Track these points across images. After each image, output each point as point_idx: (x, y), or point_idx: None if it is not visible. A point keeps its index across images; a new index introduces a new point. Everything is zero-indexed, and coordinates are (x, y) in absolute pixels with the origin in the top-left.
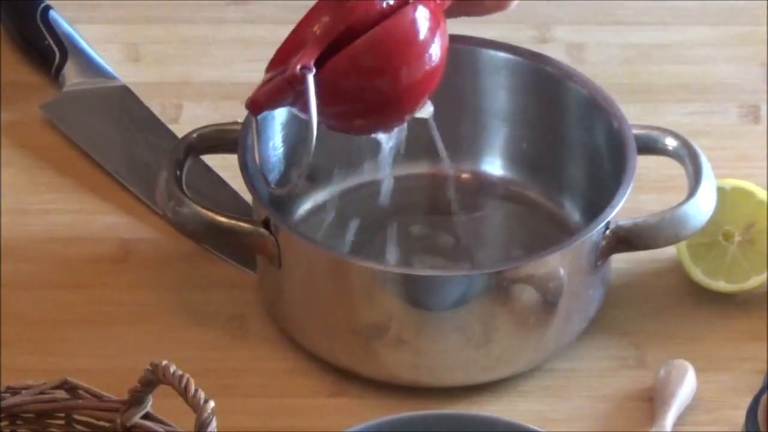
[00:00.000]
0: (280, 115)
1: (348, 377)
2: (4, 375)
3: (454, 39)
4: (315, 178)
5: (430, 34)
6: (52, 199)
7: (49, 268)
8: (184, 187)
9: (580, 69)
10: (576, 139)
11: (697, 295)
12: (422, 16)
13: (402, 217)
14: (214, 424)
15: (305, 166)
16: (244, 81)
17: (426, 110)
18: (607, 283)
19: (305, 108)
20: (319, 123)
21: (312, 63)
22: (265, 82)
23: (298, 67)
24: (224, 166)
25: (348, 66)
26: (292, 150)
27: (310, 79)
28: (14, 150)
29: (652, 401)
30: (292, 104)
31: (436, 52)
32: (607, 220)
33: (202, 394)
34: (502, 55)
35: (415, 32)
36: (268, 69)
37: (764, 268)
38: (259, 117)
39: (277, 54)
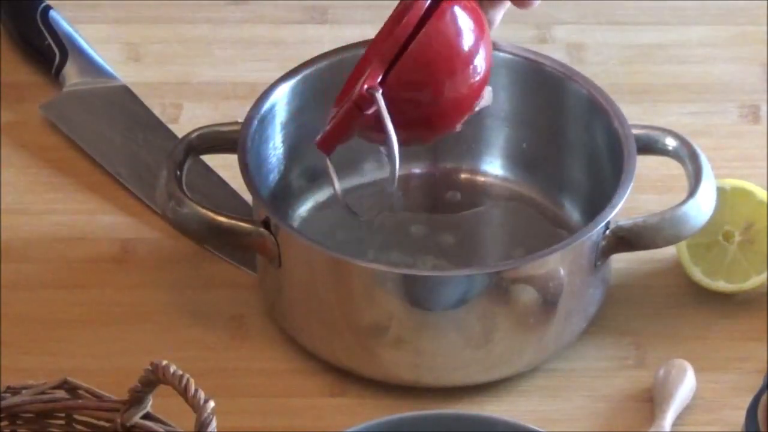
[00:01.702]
0: (280, 115)
1: (348, 377)
2: (4, 375)
3: None
4: (315, 178)
5: (473, 40)
6: (52, 199)
7: (49, 268)
8: (184, 187)
9: (580, 69)
10: (576, 139)
11: (697, 295)
12: (462, 21)
13: (402, 217)
14: (214, 424)
15: (393, 187)
16: (244, 81)
17: (486, 99)
18: (607, 283)
19: (377, 129)
20: (363, 139)
21: (377, 82)
22: (332, 119)
23: (365, 87)
24: (224, 166)
25: (400, 80)
26: (292, 150)
27: (380, 96)
28: (14, 150)
29: (652, 401)
30: (360, 133)
31: (480, 56)
32: (607, 220)
33: (202, 394)
34: (502, 55)
35: (456, 36)
36: (332, 108)
37: (764, 268)
38: (261, 112)
39: (339, 95)
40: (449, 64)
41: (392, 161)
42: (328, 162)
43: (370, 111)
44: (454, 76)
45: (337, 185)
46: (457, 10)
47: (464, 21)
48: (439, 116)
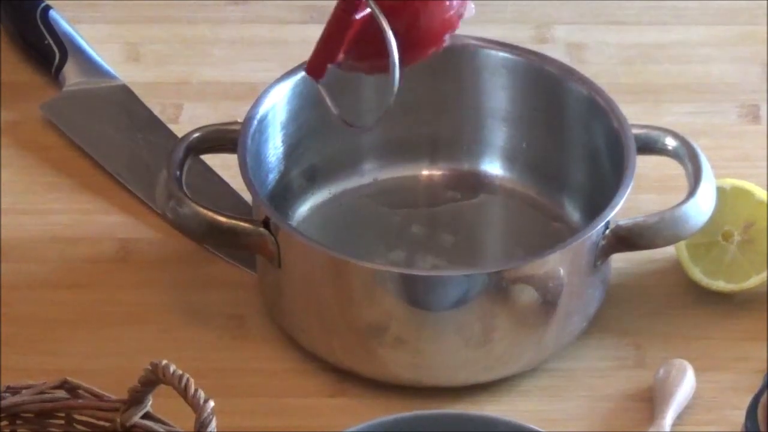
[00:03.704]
0: (280, 115)
1: (348, 377)
2: (4, 375)
3: (454, 38)
4: (315, 178)
5: None
6: (52, 199)
7: (49, 268)
8: (184, 187)
9: (580, 69)
10: (576, 139)
11: (697, 295)
12: None
13: (402, 217)
14: (214, 424)
15: (390, 100)
16: (244, 81)
17: (469, 11)
18: (607, 283)
19: (361, 53)
20: (340, 66)
21: None
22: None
23: None
24: (224, 166)
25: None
26: (292, 150)
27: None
28: (14, 150)
29: (652, 401)
30: (347, 54)
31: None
32: (607, 220)
33: (202, 394)
34: (502, 54)
35: None
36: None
37: (764, 267)
38: (261, 112)
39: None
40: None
41: (392, 66)
42: (320, 88)
43: (359, 15)
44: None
45: (333, 107)
46: None
47: None
48: (417, 40)
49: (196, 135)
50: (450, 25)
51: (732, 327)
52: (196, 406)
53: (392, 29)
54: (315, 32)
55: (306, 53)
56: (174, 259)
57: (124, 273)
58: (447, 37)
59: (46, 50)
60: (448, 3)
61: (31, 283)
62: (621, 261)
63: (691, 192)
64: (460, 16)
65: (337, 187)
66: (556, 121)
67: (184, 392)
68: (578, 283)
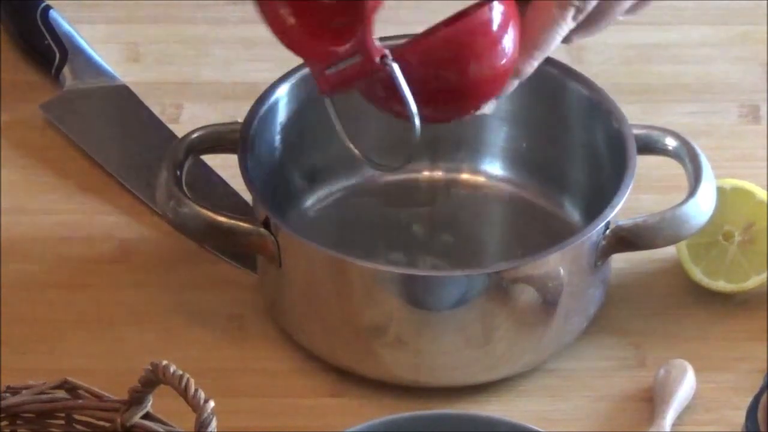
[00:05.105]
0: (280, 115)
1: (348, 377)
2: (4, 375)
3: None
4: (315, 178)
5: (504, 34)
6: (52, 199)
7: (49, 268)
8: (184, 187)
9: (580, 69)
10: (576, 139)
11: (697, 295)
12: (498, 16)
13: (402, 217)
14: (214, 424)
15: (413, 146)
16: (244, 81)
17: (489, 107)
18: (607, 283)
19: (387, 91)
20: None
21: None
22: (340, 69)
23: (378, 58)
24: (224, 166)
25: (423, 57)
26: (292, 150)
27: (396, 68)
28: (14, 150)
29: (652, 401)
30: (363, 86)
31: (508, 51)
32: (607, 220)
33: (202, 394)
34: None
35: (491, 33)
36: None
37: (764, 268)
38: (261, 112)
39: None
40: (478, 57)
41: (412, 120)
42: (332, 103)
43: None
44: (481, 64)
45: (339, 126)
46: (499, 8)
47: (504, 21)
48: (459, 98)
49: (196, 135)
50: (501, 79)
51: (732, 327)
52: (196, 406)
53: (441, 77)
54: None
55: None
56: (174, 259)
57: (124, 273)
58: (495, 97)
59: (46, 50)
60: (498, 56)
61: (31, 283)
62: (621, 261)
63: (692, 192)
64: (510, 72)
65: (337, 187)
66: (556, 121)
67: (184, 392)
68: (578, 283)
